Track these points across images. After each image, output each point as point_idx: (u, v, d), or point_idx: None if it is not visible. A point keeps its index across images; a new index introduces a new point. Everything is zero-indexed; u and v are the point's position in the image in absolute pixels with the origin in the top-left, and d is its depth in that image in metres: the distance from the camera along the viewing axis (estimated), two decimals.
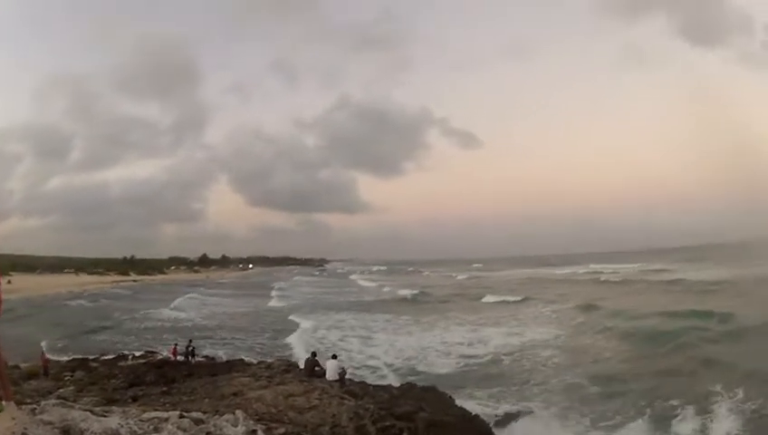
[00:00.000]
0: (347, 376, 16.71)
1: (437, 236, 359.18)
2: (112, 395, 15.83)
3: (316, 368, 16.84)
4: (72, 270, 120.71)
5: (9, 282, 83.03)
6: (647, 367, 20.11)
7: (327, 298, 59.26)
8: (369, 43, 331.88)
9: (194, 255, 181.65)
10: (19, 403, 5.64)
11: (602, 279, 61.75)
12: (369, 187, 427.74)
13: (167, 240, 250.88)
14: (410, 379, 18.94)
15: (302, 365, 18.70)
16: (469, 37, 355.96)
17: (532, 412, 16.18)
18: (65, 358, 24.74)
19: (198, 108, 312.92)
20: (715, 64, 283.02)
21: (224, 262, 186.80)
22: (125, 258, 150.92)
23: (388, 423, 12.74)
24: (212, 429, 7.54)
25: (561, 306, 38.48)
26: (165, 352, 25.21)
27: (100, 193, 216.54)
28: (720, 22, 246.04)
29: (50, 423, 5.34)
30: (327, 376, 16.01)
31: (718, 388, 15.83)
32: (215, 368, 20.71)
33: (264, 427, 10.40)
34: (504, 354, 24.21)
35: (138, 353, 25.89)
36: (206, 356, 24.65)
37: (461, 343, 27.32)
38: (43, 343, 25.96)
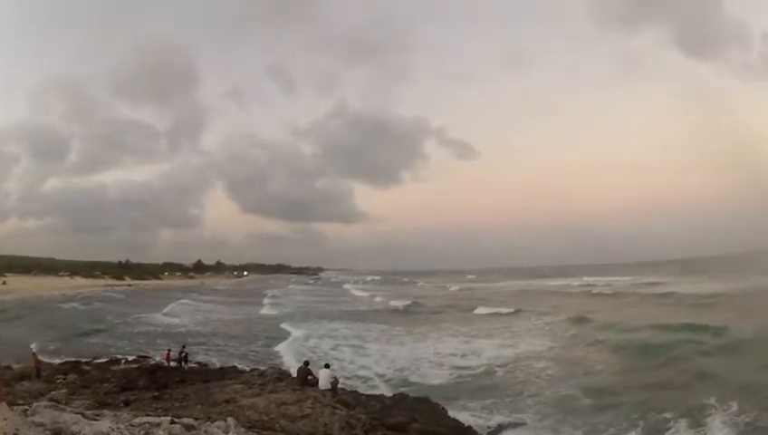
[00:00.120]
0: (339, 386, 16.70)
1: (433, 247, 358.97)
2: (104, 399, 15.74)
3: (309, 377, 16.86)
4: (68, 273, 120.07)
5: (4, 283, 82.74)
6: (639, 380, 20.06)
7: (320, 307, 59.11)
8: (367, 52, 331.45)
9: (189, 260, 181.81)
10: (11, 404, 5.65)
11: (595, 292, 61.68)
12: (365, 196, 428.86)
13: (163, 245, 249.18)
14: (403, 389, 18.89)
15: (293, 374, 18.68)
16: (467, 47, 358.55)
17: (525, 424, 16.14)
18: (58, 360, 24.51)
19: (195, 113, 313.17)
20: (712, 75, 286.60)
21: (219, 268, 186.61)
22: (120, 262, 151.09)
23: (379, 433, 12.75)
24: None
25: (554, 318, 38.45)
26: (158, 358, 25.05)
27: (96, 196, 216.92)
28: (718, 32, 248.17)
29: (41, 425, 5.36)
30: (319, 385, 16.02)
31: (712, 401, 15.72)
32: (207, 374, 20.61)
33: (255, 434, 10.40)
34: (497, 366, 24.14)
35: (130, 358, 25.73)
36: (198, 362, 24.51)
37: (454, 354, 27.21)
38: (33, 345, 25.71)
